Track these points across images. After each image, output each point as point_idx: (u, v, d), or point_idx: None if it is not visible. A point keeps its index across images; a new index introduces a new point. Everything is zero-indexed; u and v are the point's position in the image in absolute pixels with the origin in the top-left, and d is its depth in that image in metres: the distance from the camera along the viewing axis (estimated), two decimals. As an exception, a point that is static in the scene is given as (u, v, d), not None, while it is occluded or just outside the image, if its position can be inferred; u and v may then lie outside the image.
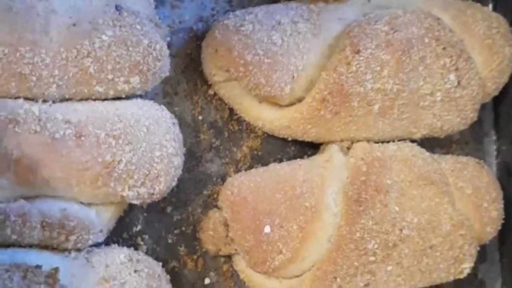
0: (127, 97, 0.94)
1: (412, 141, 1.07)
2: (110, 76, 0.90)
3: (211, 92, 1.06)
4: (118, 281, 0.89)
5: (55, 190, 0.88)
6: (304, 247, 0.97)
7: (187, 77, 1.05)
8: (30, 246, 0.88)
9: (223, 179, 1.05)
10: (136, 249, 0.97)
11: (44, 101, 0.88)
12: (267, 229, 0.97)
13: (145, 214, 1.01)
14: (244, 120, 1.06)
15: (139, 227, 1.01)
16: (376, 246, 0.98)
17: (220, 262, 1.05)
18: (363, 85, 0.99)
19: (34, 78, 0.86)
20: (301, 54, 0.99)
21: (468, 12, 1.08)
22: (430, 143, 1.13)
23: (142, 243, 1.01)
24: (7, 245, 0.86)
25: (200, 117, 1.05)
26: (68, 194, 0.89)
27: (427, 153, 1.06)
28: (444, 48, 1.02)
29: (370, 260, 0.98)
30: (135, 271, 0.92)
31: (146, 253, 0.98)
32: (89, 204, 0.92)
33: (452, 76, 1.03)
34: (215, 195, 1.05)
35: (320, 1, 1.02)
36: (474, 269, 1.13)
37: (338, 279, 0.98)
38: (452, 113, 1.05)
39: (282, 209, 0.97)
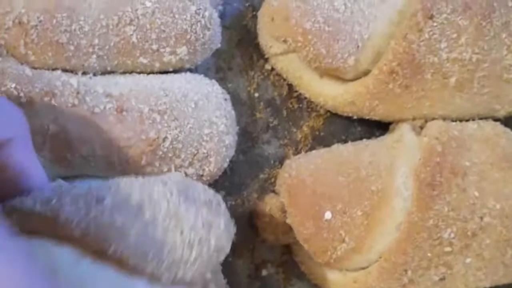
0: (175, 71, 0.87)
1: (495, 120, 0.96)
2: (154, 46, 0.82)
3: (268, 67, 0.97)
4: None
5: (95, 169, 0.81)
6: (370, 236, 0.87)
7: (242, 50, 0.97)
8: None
9: (281, 162, 0.96)
10: (186, 237, 0.90)
11: (84, 73, 0.82)
12: (328, 215, 0.87)
13: (196, 199, 0.94)
14: (305, 98, 0.97)
15: (190, 213, 0.93)
16: (452, 235, 0.87)
17: (278, 253, 0.96)
18: (437, 54, 0.88)
19: (72, 48, 0.79)
20: (367, 21, 0.88)
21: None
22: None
23: (193, 230, 0.93)
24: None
25: (256, 94, 0.97)
26: (109, 174, 0.82)
27: (512, 132, 0.94)
28: (530, 12, 0.90)
29: (445, 251, 0.87)
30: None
31: (198, 241, 0.90)
32: (133, 185, 0.85)
33: (540, 44, 0.90)
34: (273, 179, 0.96)
35: (388, -37, 0.92)
36: None
37: (409, 272, 0.87)
38: (541, 87, 0.93)
39: (345, 193, 0.87)
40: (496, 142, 0.91)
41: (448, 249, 0.87)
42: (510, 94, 0.93)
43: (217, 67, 0.96)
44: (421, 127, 0.93)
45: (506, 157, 0.90)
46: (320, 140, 0.98)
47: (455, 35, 0.88)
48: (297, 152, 0.97)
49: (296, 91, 0.97)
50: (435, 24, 0.87)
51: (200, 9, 0.84)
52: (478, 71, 0.89)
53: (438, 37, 0.87)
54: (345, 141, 0.97)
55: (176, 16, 0.82)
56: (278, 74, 0.97)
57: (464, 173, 0.88)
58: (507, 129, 0.94)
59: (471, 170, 0.89)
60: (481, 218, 0.88)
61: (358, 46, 0.89)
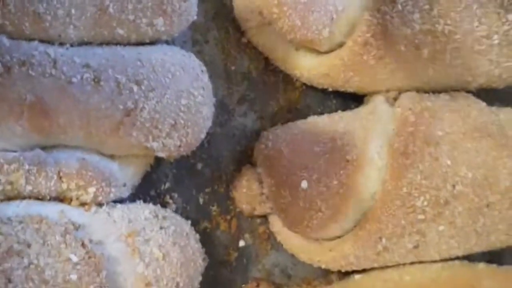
0: (152, 43, 0.88)
1: (467, 92, 0.97)
2: (131, 17, 0.83)
3: (244, 40, 0.98)
4: (141, 237, 0.83)
5: (73, 139, 0.82)
6: (345, 205, 0.89)
7: (218, 23, 0.97)
8: (48, 199, 0.82)
9: (258, 134, 0.97)
10: (164, 208, 0.91)
11: (62, 44, 0.82)
12: (304, 184, 0.89)
13: (174, 171, 0.95)
14: (281, 71, 0.98)
15: (167, 185, 0.94)
16: (425, 203, 0.89)
17: (255, 223, 0.98)
18: (410, 26, 0.89)
19: (49, 18, 0.80)
20: (342, -7, 0.90)
21: None
22: (489, 96, 1.02)
23: (171, 201, 0.94)
24: (23, 198, 0.81)
25: (233, 67, 0.98)
26: (87, 144, 0.83)
27: (484, 103, 0.96)
28: (502, -16, 0.91)
29: (419, 219, 0.89)
30: (161, 228, 0.85)
31: (175, 212, 0.91)
32: (111, 156, 0.86)
33: (510, 16, 0.92)
34: (249, 151, 0.97)
35: None
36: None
37: (384, 240, 0.89)
38: (512, 59, 0.95)
39: (320, 162, 0.89)
40: (468, 113, 0.93)
41: (421, 216, 0.89)
42: (481, 66, 0.94)
43: (194, 40, 0.96)
44: (395, 99, 0.95)
45: (478, 127, 0.92)
46: (296, 113, 0.99)
47: (427, 7, 0.89)
48: (273, 124, 0.98)
49: (272, 64, 0.98)
50: (407, -5, 0.89)
51: (176, -20, 0.85)
52: (450, 43, 0.91)
53: (411, 9, 0.89)
54: (321, 114, 0.98)
55: (153, -14, 0.83)
56: (255, 48, 0.98)
57: (436, 142, 0.90)
58: (479, 100, 0.96)
59: (444, 140, 0.91)
60: (454, 186, 0.90)
61: (332, 18, 0.90)
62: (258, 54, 0.98)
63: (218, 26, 0.98)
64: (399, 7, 0.89)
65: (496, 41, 0.93)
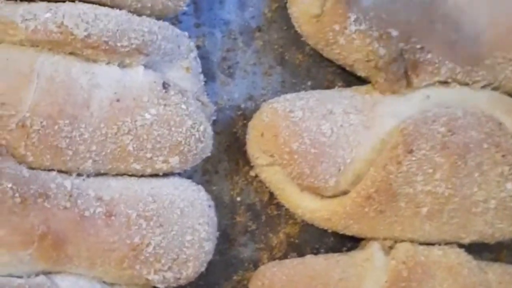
0: (165, 174, 0.91)
1: (460, 245, 1.01)
2: (149, 155, 0.87)
3: (252, 173, 1.01)
4: None
5: (78, 268, 0.84)
6: None
7: (229, 156, 1.01)
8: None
9: (256, 265, 1.00)
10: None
11: (79, 174, 0.86)
12: (295, 329, 0.92)
13: (170, 296, 0.97)
14: (284, 205, 1.02)
15: (162, 308, 0.97)
16: None
17: None
18: (412, 186, 0.93)
19: (70, 152, 0.83)
20: (351, 147, 0.94)
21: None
22: (479, 247, 1.06)
23: (164, 325, 0.96)
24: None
25: (239, 198, 1.01)
26: (91, 273, 0.86)
27: (474, 262, 0.99)
28: (503, 156, 0.95)
29: None
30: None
31: None
32: (112, 284, 0.88)
33: (509, 185, 0.96)
34: (245, 282, 0.99)
35: (376, 92, 0.97)
36: None
37: None
38: (506, 221, 0.98)
39: (313, 309, 0.92)
40: (458, 271, 0.96)
41: None
42: (476, 225, 0.98)
43: (204, 170, 1.00)
44: (391, 247, 0.98)
45: (467, 286, 0.95)
46: (295, 247, 1.02)
47: (431, 170, 0.93)
48: (271, 256, 1.01)
49: (276, 199, 1.01)
50: (413, 158, 0.93)
51: (195, 123, 0.88)
52: (449, 204, 0.95)
53: (415, 171, 0.93)
54: (318, 250, 1.02)
55: (173, 129, 0.87)
56: (261, 181, 1.01)
57: (426, 300, 0.93)
58: (470, 258, 0.99)
59: (434, 298, 0.94)
60: None
61: (340, 169, 0.94)
62: (264, 188, 1.01)
63: (229, 158, 1.01)
64: (404, 168, 0.92)
65: (493, 206, 0.96)
